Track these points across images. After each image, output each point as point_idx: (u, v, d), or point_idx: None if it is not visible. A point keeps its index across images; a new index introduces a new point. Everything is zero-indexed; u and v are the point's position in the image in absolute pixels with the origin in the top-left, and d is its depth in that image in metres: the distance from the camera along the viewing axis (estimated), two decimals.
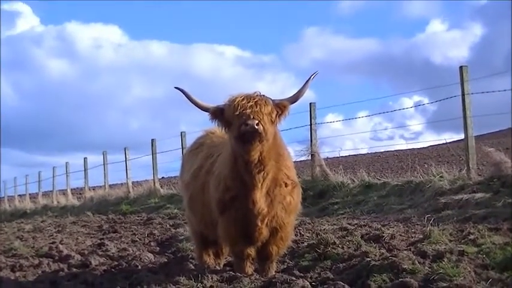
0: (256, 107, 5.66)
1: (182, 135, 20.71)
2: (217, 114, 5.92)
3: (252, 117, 5.58)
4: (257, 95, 5.80)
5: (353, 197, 13.27)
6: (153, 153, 22.65)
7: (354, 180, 14.13)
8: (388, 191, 12.64)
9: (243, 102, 5.69)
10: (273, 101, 5.85)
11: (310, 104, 15.76)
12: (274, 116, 5.80)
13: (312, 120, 15.66)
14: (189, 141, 19.33)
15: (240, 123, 5.60)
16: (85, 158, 28.68)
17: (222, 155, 6.36)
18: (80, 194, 30.05)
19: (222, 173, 6.19)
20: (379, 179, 13.80)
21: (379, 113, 17.43)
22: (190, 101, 6.13)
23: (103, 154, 26.80)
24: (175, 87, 6.25)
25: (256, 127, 5.56)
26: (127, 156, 24.82)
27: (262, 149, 5.72)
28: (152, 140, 22.83)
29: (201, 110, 6.07)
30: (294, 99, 6.01)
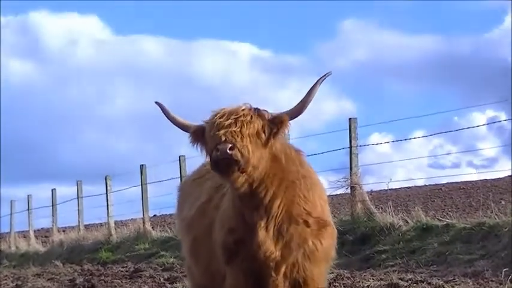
0: (236, 126, 5.68)
1: (181, 160, 20.76)
2: (199, 135, 6.00)
3: (224, 139, 5.61)
4: (244, 109, 5.82)
5: (406, 243, 13.23)
6: (143, 184, 22.72)
7: (407, 221, 14.08)
8: (453, 236, 12.59)
9: (221, 119, 5.73)
10: (270, 114, 5.88)
11: (350, 119, 15.75)
12: (265, 135, 5.82)
13: (352, 141, 15.65)
14: (190, 168, 19.43)
15: (211, 148, 5.66)
16: (53, 190, 28.87)
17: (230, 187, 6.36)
18: (46, 237, 30.13)
19: (226, 210, 6.24)
20: (440, 220, 13.75)
21: (441, 133, 17.42)
22: (168, 118, 6.28)
23: (77, 184, 26.91)
24: (156, 102, 6.45)
25: (229, 152, 5.55)
26: (108, 188, 24.89)
27: (250, 178, 5.75)
28: (142, 165, 22.97)
29: (182, 129, 6.19)
30: (296, 112, 5.96)
